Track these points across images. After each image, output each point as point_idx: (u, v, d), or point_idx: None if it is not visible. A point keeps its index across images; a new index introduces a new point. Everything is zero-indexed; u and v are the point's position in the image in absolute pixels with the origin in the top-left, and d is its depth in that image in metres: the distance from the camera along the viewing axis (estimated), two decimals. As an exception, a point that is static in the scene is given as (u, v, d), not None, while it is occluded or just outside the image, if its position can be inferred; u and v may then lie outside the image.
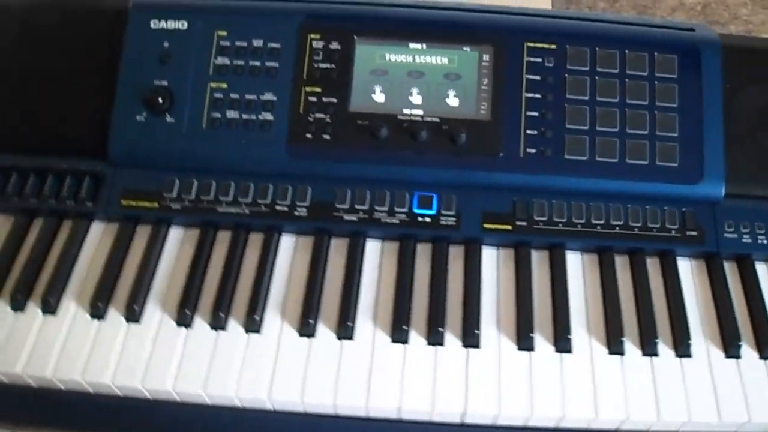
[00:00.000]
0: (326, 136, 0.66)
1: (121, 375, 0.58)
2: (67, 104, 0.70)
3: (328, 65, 0.67)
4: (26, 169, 0.68)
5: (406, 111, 0.66)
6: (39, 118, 0.70)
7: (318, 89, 0.67)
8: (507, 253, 0.65)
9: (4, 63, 0.71)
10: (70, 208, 0.67)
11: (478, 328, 0.59)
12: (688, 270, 0.63)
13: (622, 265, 0.64)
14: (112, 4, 0.72)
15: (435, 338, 0.59)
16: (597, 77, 0.65)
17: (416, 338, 0.60)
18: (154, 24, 0.69)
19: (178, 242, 0.66)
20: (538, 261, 0.64)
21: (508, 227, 0.64)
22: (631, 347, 0.59)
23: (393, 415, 0.57)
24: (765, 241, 0.63)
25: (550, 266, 0.63)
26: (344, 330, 0.59)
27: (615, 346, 0.59)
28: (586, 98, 0.65)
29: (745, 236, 0.63)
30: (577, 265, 0.64)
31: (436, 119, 0.65)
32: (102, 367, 0.58)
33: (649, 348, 0.59)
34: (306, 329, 0.60)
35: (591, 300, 0.62)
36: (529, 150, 0.64)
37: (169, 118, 0.68)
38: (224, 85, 0.68)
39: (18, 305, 0.62)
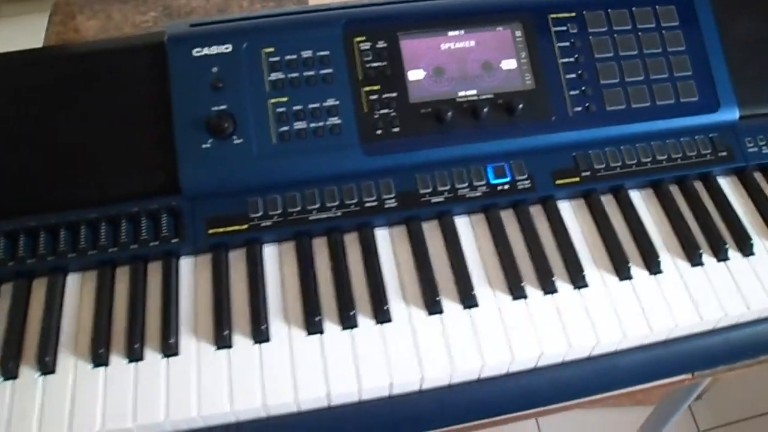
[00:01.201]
0: (395, 129, 0.69)
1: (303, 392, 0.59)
2: (126, 148, 0.68)
3: (379, 63, 0.70)
4: (96, 219, 0.66)
5: (462, 93, 0.71)
6: (99, 168, 0.68)
7: (376, 87, 0.70)
8: (578, 203, 0.71)
9: (49, 118, 0.68)
10: (154, 249, 0.66)
11: (582, 270, 0.65)
12: (726, 185, 0.74)
13: (674, 192, 0.73)
14: (148, 40, 0.71)
15: (550, 287, 0.65)
16: (615, 35, 0.74)
17: (533, 291, 0.65)
18: (197, 52, 0.69)
19: (275, 257, 0.67)
20: (606, 204, 0.71)
21: (576, 179, 0.70)
22: (708, 258, 0.68)
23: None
24: (782, 149, 0.74)
25: (618, 206, 0.71)
26: (469, 300, 0.64)
27: (694, 259, 0.67)
28: (611, 55, 0.73)
29: (764, 148, 0.73)
30: (639, 200, 0.72)
31: (491, 95, 0.71)
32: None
33: (721, 254, 0.68)
34: (434, 308, 0.63)
35: (661, 226, 0.70)
36: (575, 109, 0.72)
37: (236, 140, 0.68)
38: (284, 99, 0.69)
39: (135, 355, 0.61)
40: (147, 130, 0.69)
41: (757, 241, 0.69)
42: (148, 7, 1.00)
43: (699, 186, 0.73)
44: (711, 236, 0.69)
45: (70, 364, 0.61)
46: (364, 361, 0.61)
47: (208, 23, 0.72)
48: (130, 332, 0.62)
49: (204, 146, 0.68)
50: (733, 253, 0.68)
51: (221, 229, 0.67)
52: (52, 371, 0.60)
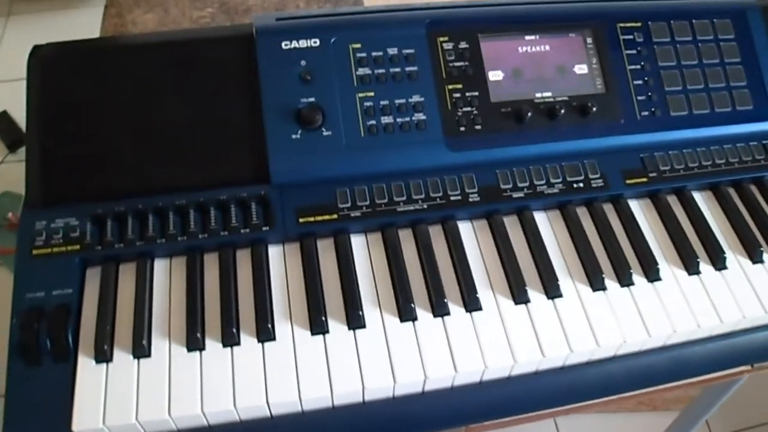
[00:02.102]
0: (478, 127, 0.72)
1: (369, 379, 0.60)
2: (216, 137, 0.69)
3: (461, 63, 0.73)
4: (185, 206, 0.67)
5: (538, 94, 0.74)
6: (190, 155, 0.68)
7: (459, 86, 0.73)
8: (645, 202, 0.75)
9: (142, 104, 0.69)
10: (243, 236, 0.67)
11: (657, 264, 0.69)
12: (779, 188, 0.78)
13: (732, 195, 0.77)
14: (236, 32, 0.72)
15: (627, 280, 0.68)
16: (678, 45, 0.78)
17: (611, 284, 0.68)
18: (286, 45, 0.71)
19: (363, 247, 0.69)
20: (672, 204, 0.75)
21: (644, 180, 0.74)
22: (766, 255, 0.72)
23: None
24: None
25: (681, 206, 0.75)
26: (553, 290, 0.66)
27: (756, 257, 0.71)
28: (674, 63, 0.77)
29: (813, 153, 0.79)
30: (700, 200, 0.76)
31: (566, 98, 0.74)
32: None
33: (781, 253, 0.72)
34: (521, 297, 0.66)
35: (721, 225, 0.74)
36: (642, 113, 0.75)
37: (325, 132, 0.70)
38: (371, 94, 0.71)
39: (231, 340, 0.61)
40: (237, 119, 0.70)
41: (813, 241, 0.73)
42: (205, 3, 1.01)
43: (754, 189, 0.78)
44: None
45: (164, 348, 0.61)
46: (457, 347, 0.62)
47: (293, 17, 0.73)
48: (226, 318, 0.62)
49: (294, 137, 0.69)
50: (789, 252, 0.73)
51: (311, 219, 0.68)
52: (147, 355, 0.61)
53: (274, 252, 0.68)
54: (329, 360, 0.61)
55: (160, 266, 0.66)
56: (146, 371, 0.60)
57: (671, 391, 1.41)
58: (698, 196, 0.76)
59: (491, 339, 0.63)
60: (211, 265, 0.66)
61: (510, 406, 0.66)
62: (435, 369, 0.61)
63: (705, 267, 0.70)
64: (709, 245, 0.71)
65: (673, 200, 0.75)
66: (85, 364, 0.60)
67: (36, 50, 0.70)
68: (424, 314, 0.64)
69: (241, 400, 0.59)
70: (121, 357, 0.60)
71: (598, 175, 0.73)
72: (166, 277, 0.66)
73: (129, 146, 0.68)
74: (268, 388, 0.59)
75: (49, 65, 0.70)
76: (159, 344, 0.61)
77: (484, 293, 0.66)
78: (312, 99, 0.70)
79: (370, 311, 0.64)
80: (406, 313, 0.64)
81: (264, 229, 0.67)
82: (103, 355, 0.60)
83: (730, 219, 0.74)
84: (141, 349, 0.60)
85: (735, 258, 0.72)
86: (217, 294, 0.64)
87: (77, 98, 0.69)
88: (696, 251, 0.70)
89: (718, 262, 0.70)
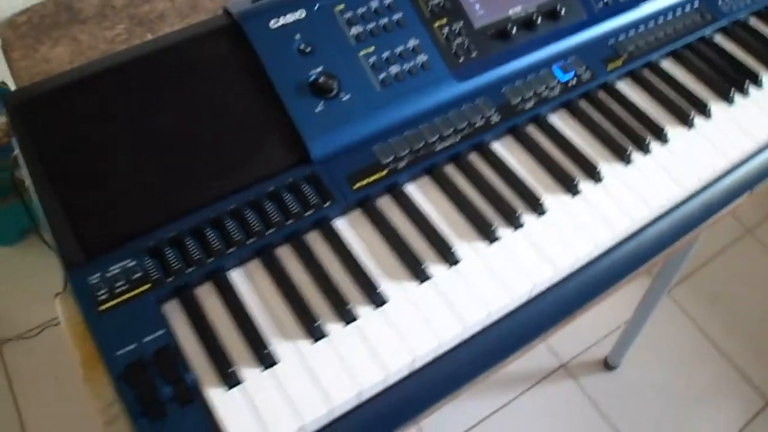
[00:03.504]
0: (473, 54, 0.75)
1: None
2: (241, 132, 0.66)
3: (437, 0, 0.75)
4: (238, 209, 0.64)
5: (512, 11, 0.78)
6: (221, 159, 0.65)
7: (444, 20, 0.75)
8: (627, 82, 0.82)
9: (151, 124, 0.64)
10: (308, 218, 0.65)
11: (664, 129, 0.76)
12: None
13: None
14: (212, 25, 0.69)
15: (627, 159, 0.75)
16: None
17: (615, 166, 0.75)
18: (274, 23, 0.69)
19: (418, 193, 0.69)
20: (648, 77, 0.83)
21: (620, 63, 0.81)
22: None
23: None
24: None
25: (657, 76, 0.83)
26: (589, 177, 0.72)
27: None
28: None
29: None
30: (669, 67, 0.85)
31: (534, 8, 0.79)
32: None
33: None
34: (573, 189, 0.70)
35: (692, 83, 0.84)
36: (598, 4, 0.82)
37: (344, 97, 0.69)
38: (371, 49, 0.71)
39: (349, 317, 0.60)
40: (255, 109, 0.67)
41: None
42: (113, 21, 0.94)
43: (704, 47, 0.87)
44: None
45: (288, 348, 0.59)
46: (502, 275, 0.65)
47: (266, -4, 0.71)
48: (334, 298, 0.61)
49: (317, 110, 0.68)
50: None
51: (364, 182, 0.67)
52: (275, 362, 0.58)
53: (341, 225, 0.67)
54: (449, 300, 0.62)
55: (237, 276, 0.63)
56: (283, 376, 0.57)
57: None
58: (665, 64, 0.85)
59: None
60: (287, 258, 0.64)
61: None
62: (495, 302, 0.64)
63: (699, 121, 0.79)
64: (692, 99, 0.80)
65: (648, 73, 0.83)
66: (217, 395, 0.56)
67: (10, 102, 0.62)
68: (504, 231, 0.67)
69: (391, 365, 0.58)
70: (251, 374, 0.57)
71: (585, 68, 0.79)
72: (249, 284, 0.63)
73: (153, 170, 0.63)
74: (409, 346, 0.59)
75: (34, 114, 0.62)
76: (281, 347, 0.59)
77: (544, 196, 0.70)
78: (320, 68, 0.69)
79: (459, 245, 0.65)
80: (492, 234, 0.66)
81: (325, 205, 0.65)
82: (232, 379, 0.56)
83: (698, 76, 0.84)
84: (268, 358, 0.57)
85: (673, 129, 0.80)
86: (309, 281, 0.62)
87: (81, 137, 0.63)
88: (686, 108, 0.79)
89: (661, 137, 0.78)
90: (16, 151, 0.62)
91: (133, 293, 0.59)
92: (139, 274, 0.60)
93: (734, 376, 1.57)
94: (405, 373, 0.60)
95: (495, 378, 1.52)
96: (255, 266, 0.64)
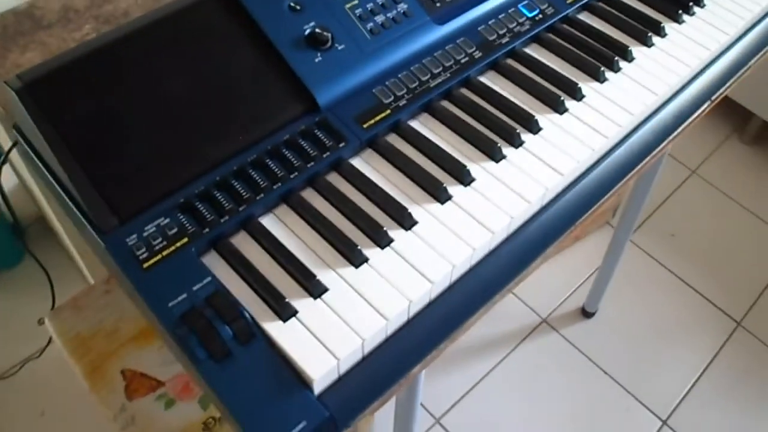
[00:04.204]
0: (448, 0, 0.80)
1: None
2: (251, 88, 0.68)
3: (405, -46, 0.80)
4: (259, 159, 0.66)
5: (471, -42, 0.84)
6: (237, 115, 0.67)
7: (414, -29, 0.80)
8: (586, 13, 0.89)
9: (162, 89, 0.65)
10: (327, 159, 0.67)
11: (629, 49, 0.83)
12: None
13: None
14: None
15: (601, 77, 0.81)
16: None
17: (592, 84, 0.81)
18: (261, -14, 0.72)
19: (422, 128, 0.73)
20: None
21: (576, -5, 0.88)
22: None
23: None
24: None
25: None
26: (559, 108, 0.78)
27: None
28: None
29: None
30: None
31: (494, -47, 0.85)
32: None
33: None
34: (561, 107, 0.76)
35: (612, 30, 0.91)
36: (546, -53, 0.89)
37: (339, 47, 0.73)
38: (356, 2, 0.75)
39: (385, 241, 0.63)
40: (259, 67, 0.69)
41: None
42: (78, 23, 0.95)
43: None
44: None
45: (334, 276, 0.61)
46: (514, 186, 0.71)
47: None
48: (368, 225, 0.64)
49: (317, 60, 0.71)
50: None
51: (372, 121, 0.71)
52: (326, 289, 0.60)
53: (357, 163, 0.70)
54: (471, 214, 0.66)
55: (268, 222, 0.65)
56: (334, 301, 0.59)
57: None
58: None
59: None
60: (313, 198, 0.67)
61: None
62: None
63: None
64: (646, 22, 0.88)
65: (603, 4, 0.90)
66: (276, 328, 0.57)
67: (18, 83, 0.63)
68: (507, 150, 0.72)
69: (433, 275, 0.61)
70: (303, 304, 0.59)
71: (547, 4, 0.85)
72: (281, 226, 0.65)
73: (171, 132, 0.65)
74: (446, 257, 0.62)
75: (46, 91, 0.63)
76: (327, 277, 0.61)
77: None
78: (312, 23, 0.72)
79: (473, 167, 0.69)
80: (498, 153, 0.71)
81: (340, 146, 0.68)
82: (288, 311, 0.58)
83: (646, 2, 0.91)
84: (319, 287, 0.60)
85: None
86: (339, 216, 0.65)
87: (95, 109, 0.63)
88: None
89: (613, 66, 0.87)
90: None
91: (172, 248, 0.60)
92: (174, 230, 0.61)
93: (703, 303, 1.68)
94: (446, 284, 0.63)
95: (481, 342, 1.57)
96: (283, 211, 0.66)
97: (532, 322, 1.63)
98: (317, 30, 0.71)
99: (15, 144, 0.76)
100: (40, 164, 0.67)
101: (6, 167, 1.60)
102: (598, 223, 1.78)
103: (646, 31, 0.85)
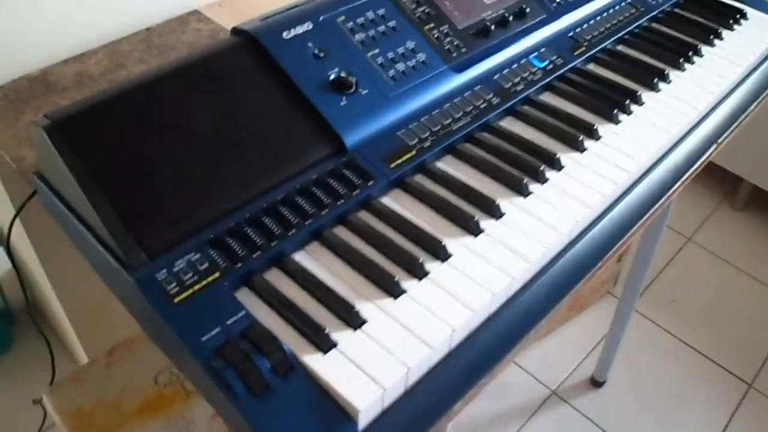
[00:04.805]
0: (463, 50, 0.82)
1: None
2: (279, 131, 0.69)
3: (422, 8, 0.83)
4: (288, 197, 0.66)
5: (484, 14, 0.87)
6: (267, 155, 0.67)
7: (432, 25, 0.82)
8: (592, 65, 0.93)
9: (190, 131, 0.65)
10: (355, 198, 0.67)
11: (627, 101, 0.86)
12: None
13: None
14: (229, 42, 0.73)
15: (615, 118, 0.84)
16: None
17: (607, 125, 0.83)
18: (286, 35, 0.74)
19: (448, 167, 0.74)
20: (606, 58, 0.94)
21: (584, 48, 0.91)
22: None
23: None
24: None
25: (615, 58, 0.94)
26: (591, 133, 0.79)
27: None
28: (545, -30, 0.97)
29: None
30: (624, 49, 0.96)
31: (503, 9, 0.89)
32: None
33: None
34: (578, 146, 0.77)
35: (647, 55, 0.95)
36: (553, 4, 0.93)
37: (363, 91, 0.74)
38: (377, 51, 0.77)
39: (421, 272, 0.62)
40: (287, 111, 0.70)
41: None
42: (93, 88, 0.97)
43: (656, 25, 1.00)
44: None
45: (372, 308, 0.59)
46: (545, 218, 0.71)
47: (273, 15, 0.76)
48: (403, 259, 0.63)
49: (342, 104, 0.72)
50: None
51: (399, 161, 0.71)
52: (364, 321, 0.58)
53: (387, 201, 0.69)
54: (506, 244, 0.65)
55: (301, 258, 0.63)
56: (375, 332, 0.57)
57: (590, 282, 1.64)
58: (620, 48, 0.96)
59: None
60: (344, 235, 0.65)
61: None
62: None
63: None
64: (651, 70, 0.91)
65: (607, 56, 0.94)
66: (315, 360, 0.55)
67: (46, 121, 0.62)
68: (533, 186, 0.72)
69: (473, 303, 0.59)
70: (344, 335, 0.57)
71: (556, 56, 0.89)
72: (314, 262, 0.63)
73: (201, 171, 0.64)
74: (485, 285, 0.61)
75: (74, 128, 0.63)
76: (365, 308, 0.59)
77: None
78: (336, 69, 0.74)
79: (503, 203, 0.69)
80: (525, 189, 0.71)
81: (369, 184, 0.68)
82: (328, 343, 0.56)
83: (649, 54, 0.95)
84: (358, 318, 0.58)
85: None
86: (373, 251, 0.64)
87: (125, 148, 0.63)
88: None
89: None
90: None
91: (204, 282, 0.58)
92: (206, 265, 0.59)
93: (712, 367, 1.65)
94: (487, 313, 0.61)
95: (490, 417, 1.51)
96: (315, 247, 0.65)
97: (541, 395, 1.58)
98: (342, 74, 0.73)
99: (34, 194, 0.75)
100: (64, 207, 0.65)
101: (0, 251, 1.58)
102: (600, 292, 1.77)
103: (652, 77, 0.89)
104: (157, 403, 0.96)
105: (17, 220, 0.87)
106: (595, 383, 1.60)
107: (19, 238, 1.15)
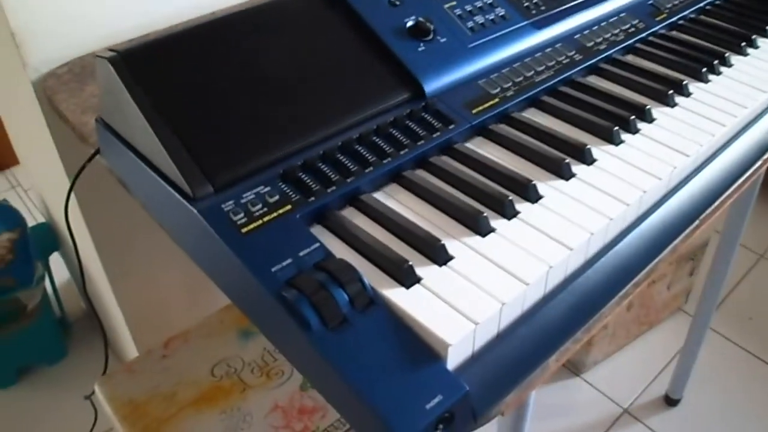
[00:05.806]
0: (543, 8, 0.78)
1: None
2: (356, 76, 0.65)
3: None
4: (365, 135, 0.61)
5: (562, -24, 0.83)
6: (350, 95, 0.63)
7: (510, -22, 0.79)
8: (673, 33, 0.87)
9: (268, 69, 0.62)
10: (435, 140, 0.62)
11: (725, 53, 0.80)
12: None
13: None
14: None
15: (704, 77, 0.78)
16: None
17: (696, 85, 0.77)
18: (362, -16, 0.71)
19: (533, 118, 0.69)
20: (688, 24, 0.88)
21: (665, 15, 0.86)
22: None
23: None
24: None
25: (695, 23, 0.88)
26: (668, 101, 0.73)
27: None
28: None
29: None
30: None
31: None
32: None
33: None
34: (671, 101, 0.71)
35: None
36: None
37: (441, 39, 0.70)
38: (454, 3, 0.74)
39: (511, 211, 0.57)
40: (365, 55, 0.66)
41: None
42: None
43: None
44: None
45: (459, 246, 0.54)
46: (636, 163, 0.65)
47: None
48: (491, 198, 0.57)
49: (420, 50, 0.68)
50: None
51: (480, 108, 0.66)
52: (451, 257, 0.52)
53: (470, 146, 0.64)
54: (597, 186, 0.60)
55: (379, 197, 0.59)
56: (464, 268, 0.52)
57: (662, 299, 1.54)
58: (701, 17, 0.91)
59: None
60: (425, 178, 0.61)
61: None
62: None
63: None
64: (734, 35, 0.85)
65: (689, 23, 0.89)
66: (397, 294, 0.49)
67: (112, 53, 0.60)
68: (625, 135, 0.66)
69: (571, 242, 0.54)
70: (428, 271, 0.51)
71: (638, 21, 0.84)
72: (394, 202, 0.58)
73: (270, 107, 0.61)
74: (582, 224, 0.55)
75: (142, 62, 0.60)
76: (451, 245, 0.53)
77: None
78: (413, 17, 0.70)
79: (594, 150, 0.64)
80: (615, 138, 0.65)
81: (450, 127, 0.63)
82: (412, 277, 0.50)
83: (736, 21, 0.89)
84: (444, 252, 0.52)
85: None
86: (457, 192, 0.59)
87: (193, 82, 0.60)
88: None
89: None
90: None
91: (274, 214, 0.54)
92: (276, 197, 0.55)
93: (793, 387, 1.52)
94: (584, 256, 0.55)
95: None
96: (394, 188, 0.60)
97: (613, 413, 1.48)
98: (420, 21, 0.69)
99: (96, 153, 0.72)
100: (125, 147, 0.62)
101: (58, 259, 1.57)
102: (670, 308, 1.67)
103: (739, 41, 0.83)
104: (213, 395, 0.91)
105: (73, 201, 0.85)
106: (670, 401, 1.49)
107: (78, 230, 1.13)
